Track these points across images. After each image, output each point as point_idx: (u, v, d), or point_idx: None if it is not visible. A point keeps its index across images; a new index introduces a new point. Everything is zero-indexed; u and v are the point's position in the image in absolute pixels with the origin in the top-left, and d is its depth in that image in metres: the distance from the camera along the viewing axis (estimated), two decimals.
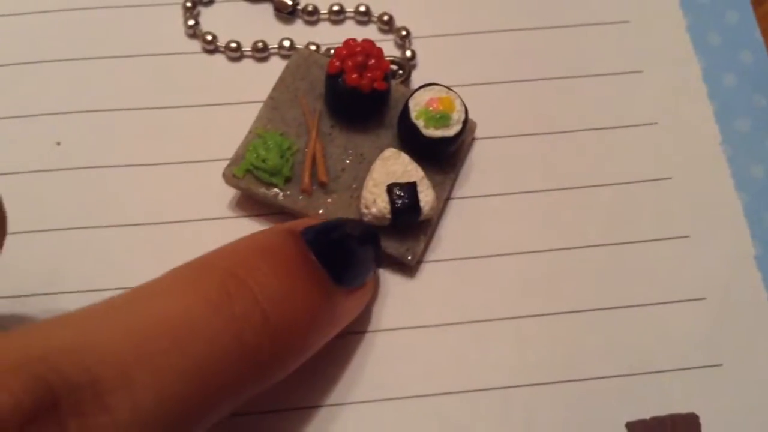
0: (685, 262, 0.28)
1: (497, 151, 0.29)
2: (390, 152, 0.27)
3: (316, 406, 0.25)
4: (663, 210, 0.28)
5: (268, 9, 0.31)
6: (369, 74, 0.26)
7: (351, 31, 0.31)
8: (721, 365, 0.26)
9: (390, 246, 0.27)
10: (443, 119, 0.26)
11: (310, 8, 0.31)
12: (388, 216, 0.26)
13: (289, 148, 0.27)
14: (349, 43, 0.26)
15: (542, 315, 0.27)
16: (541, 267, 0.27)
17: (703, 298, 0.27)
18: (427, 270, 0.27)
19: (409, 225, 0.27)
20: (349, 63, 0.26)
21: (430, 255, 0.27)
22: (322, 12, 0.31)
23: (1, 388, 0.16)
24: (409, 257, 0.27)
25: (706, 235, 0.28)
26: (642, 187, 0.29)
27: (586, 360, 0.26)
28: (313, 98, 0.28)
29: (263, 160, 0.26)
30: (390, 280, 0.27)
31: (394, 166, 0.26)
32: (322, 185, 0.27)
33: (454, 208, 0.28)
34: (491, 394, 0.26)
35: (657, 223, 0.28)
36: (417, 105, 0.27)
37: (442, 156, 0.28)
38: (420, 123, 0.26)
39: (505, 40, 0.31)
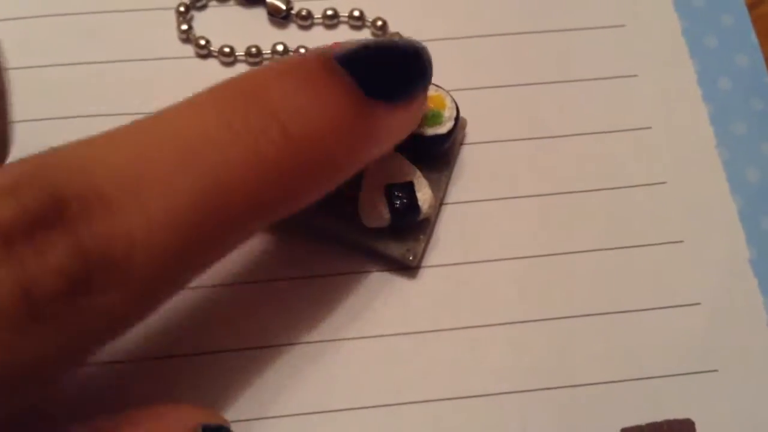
0: (680, 267, 0.27)
1: (491, 155, 0.29)
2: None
3: (309, 413, 0.25)
4: (657, 214, 0.28)
5: (261, 13, 0.31)
6: None
7: (345, 35, 0.31)
8: (716, 371, 0.26)
9: (390, 248, 0.26)
10: (435, 117, 0.26)
11: (303, 12, 0.31)
12: (387, 217, 0.26)
13: None
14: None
15: (537, 320, 0.27)
16: (535, 272, 0.27)
17: (698, 303, 0.27)
18: (423, 275, 0.27)
19: (408, 225, 0.27)
20: None
21: (427, 260, 0.27)
22: (315, 16, 0.31)
23: (7, 194, 0.17)
24: (411, 257, 0.26)
25: (700, 239, 0.28)
26: (636, 191, 0.29)
27: (581, 366, 0.26)
28: None
29: None
30: (385, 285, 0.27)
31: (390, 166, 0.26)
32: None
33: (448, 213, 0.28)
34: (486, 401, 0.25)
35: (651, 228, 0.28)
36: None
37: (436, 154, 0.28)
38: None
39: (498, 44, 0.31)
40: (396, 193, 0.26)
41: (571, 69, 0.30)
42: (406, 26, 0.31)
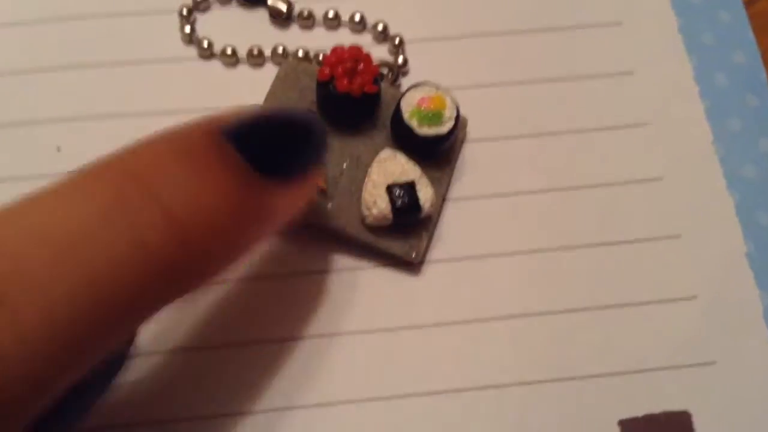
0: (677, 261, 0.28)
1: (490, 153, 0.29)
2: (386, 153, 0.27)
3: (310, 406, 0.26)
4: (655, 210, 0.29)
5: (263, 15, 0.32)
6: (359, 79, 0.27)
7: (346, 36, 0.31)
8: (714, 363, 0.26)
9: (393, 245, 0.27)
10: (436, 117, 0.27)
11: (305, 14, 0.31)
12: (390, 216, 0.26)
13: None
14: (337, 51, 0.27)
15: (537, 314, 0.27)
16: (534, 267, 0.28)
17: (695, 297, 0.27)
18: (426, 271, 0.28)
19: (410, 224, 0.27)
20: (339, 69, 0.27)
21: (430, 256, 0.28)
22: (317, 18, 0.31)
23: None
24: (414, 255, 0.27)
25: (697, 234, 0.28)
26: (634, 187, 0.29)
27: (579, 358, 0.26)
28: (304, 107, 0.28)
29: None
30: (388, 281, 0.27)
31: (392, 166, 0.27)
32: (322, 192, 0.27)
33: (450, 209, 0.29)
34: (485, 393, 0.26)
35: (649, 223, 0.28)
36: (409, 105, 0.27)
37: (437, 153, 0.28)
38: (413, 123, 0.27)
39: (497, 43, 0.31)
40: (398, 192, 0.26)
41: (569, 66, 0.31)
42: (406, 28, 0.31)
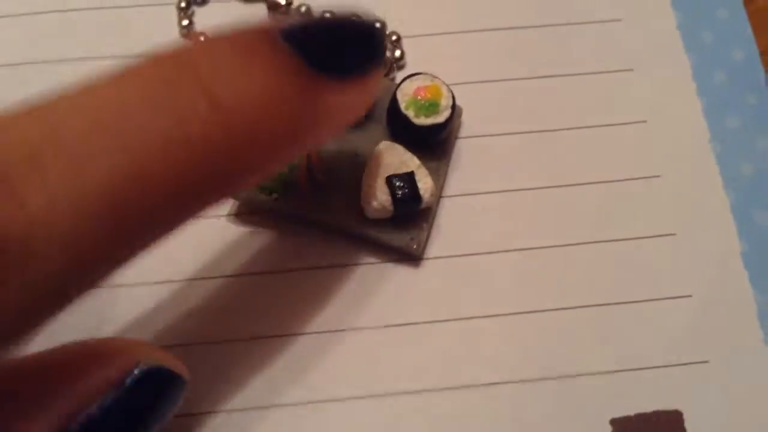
0: (672, 260, 0.28)
1: (488, 148, 0.29)
2: (384, 145, 0.27)
3: (303, 403, 0.26)
4: (651, 207, 0.29)
5: (261, 9, 0.32)
6: None
7: None
8: (707, 362, 0.26)
9: (394, 238, 0.27)
10: (432, 107, 0.27)
11: (303, 8, 0.31)
12: (390, 207, 0.26)
13: None
14: None
15: (531, 312, 0.27)
16: (530, 265, 0.28)
17: (690, 296, 0.27)
18: (425, 266, 0.28)
19: (411, 214, 0.27)
20: None
21: (428, 252, 0.28)
22: (315, 12, 0.31)
23: None
24: (415, 246, 0.27)
25: (693, 232, 0.28)
26: (632, 185, 0.29)
27: (573, 357, 0.26)
28: None
29: None
30: (388, 276, 0.28)
31: (390, 158, 0.27)
32: (321, 186, 0.27)
33: (447, 204, 0.29)
34: (478, 391, 0.26)
35: (646, 221, 0.28)
36: (405, 96, 0.27)
37: (434, 143, 0.28)
38: (410, 113, 0.27)
39: (495, 38, 0.31)
40: (397, 183, 0.26)
41: (567, 63, 0.31)
42: (404, 23, 0.31)
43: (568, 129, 0.30)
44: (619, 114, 0.30)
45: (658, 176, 0.29)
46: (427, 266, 0.28)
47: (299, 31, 0.19)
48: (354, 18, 0.21)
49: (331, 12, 0.21)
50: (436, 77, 0.28)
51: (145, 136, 0.17)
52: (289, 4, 0.31)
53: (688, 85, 0.31)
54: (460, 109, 0.29)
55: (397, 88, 0.27)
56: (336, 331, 0.27)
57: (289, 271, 0.27)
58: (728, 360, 0.26)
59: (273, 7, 0.31)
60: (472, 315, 0.27)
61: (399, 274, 0.28)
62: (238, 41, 0.19)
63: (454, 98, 0.27)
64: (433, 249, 0.28)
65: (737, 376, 0.26)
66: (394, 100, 0.27)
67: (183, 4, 0.31)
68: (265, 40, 0.19)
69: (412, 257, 0.28)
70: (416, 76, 0.27)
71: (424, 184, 0.26)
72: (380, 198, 0.26)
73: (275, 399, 0.26)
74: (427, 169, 0.27)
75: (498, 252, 0.28)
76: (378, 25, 0.22)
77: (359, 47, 0.21)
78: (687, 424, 0.25)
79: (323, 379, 0.26)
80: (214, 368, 0.26)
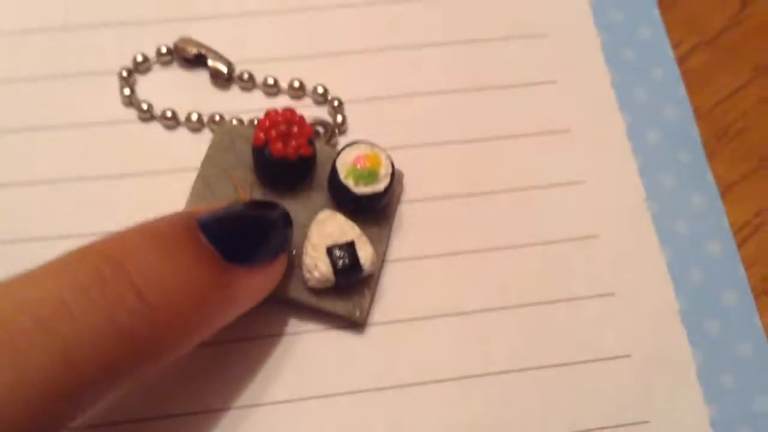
0: (611, 320, 0.28)
1: (429, 212, 0.30)
2: (324, 214, 0.27)
3: None
4: (590, 268, 0.29)
5: (204, 76, 0.32)
6: (294, 142, 0.27)
7: (286, 101, 0.31)
8: (647, 422, 0.27)
9: (336, 306, 0.27)
10: (372, 176, 0.27)
11: (245, 76, 0.31)
12: (332, 278, 0.26)
13: None
14: (270, 114, 0.27)
15: (475, 376, 0.27)
16: (473, 327, 0.28)
17: (629, 355, 0.28)
18: (368, 333, 0.28)
19: (353, 283, 0.27)
20: (273, 133, 0.27)
21: (372, 317, 0.28)
22: (257, 81, 0.31)
23: None
24: (357, 313, 0.27)
25: (631, 291, 0.29)
26: (570, 245, 0.29)
27: (517, 421, 0.27)
28: (242, 170, 0.28)
29: None
30: (330, 344, 0.27)
31: (330, 227, 0.27)
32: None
33: (389, 269, 0.29)
34: None
35: (584, 281, 0.29)
36: (344, 165, 0.27)
37: (375, 211, 0.28)
38: (350, 182, 0.27)
39: (434, 102, 0.31)
40: (338, 253, 0.26)
41: (505, 125, 0.31)
42: (345, 89, 0.31)
43: (507, 191, 0.30)
44: (557, 174, 0.30)
45: (596, 236, 0.29)
46: (371, 332, 0.28)
47: (213, 224, 0.23)
48: (259, 213, 0.25)
49: (242, 206, 0.25)
50: (375, 145, 0.28)
51: (79, 331, 0.19)
52: (231, 71, 0.31)
53: (623, 144, 0.31)
54: (401, 174, 0.29)
55: (336, 158, 0.28)
56: (280, 402, 0.27)
57: (232, 341, 0.27)
58: (668, 419, 0.27)
59: (215, 75, 0.31)
60: (417, 381, 0.27)
61: (345, 339, 0.28)
62: (163, 234, 0.22)
63: (393, 165, 0.28)
64: (377, 314, 0.28)
65: None
66: (333, 169, 0.27)
67: (125, 73, 0.31)
68: (187, 233, 0.22)
69: (353, 325, 0.28)
70: (355, 145, 0.28)
71: (365, 252, 0.27)
72: (321, 269, 0.26)
73: None
74: (369, 235, 0.27)
75: (441, 316, 0.28)
76: (280, 218, 0.25)
77: (265, 239, 0.24)
78: None
79: None
80: None
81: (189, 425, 0.26)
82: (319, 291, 0.27)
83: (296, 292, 0.27)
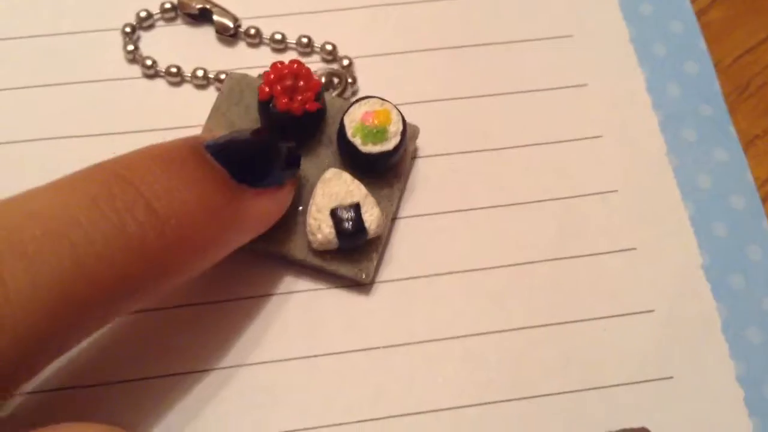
0: (633, 275, 0.27)
1: (443, 168, 0.29)
2: (331, 173, 0.26)
3: None
4: (610, 223, 0.28)
5: (209, 31, 0.31)
6: (299, 97, 0.26)
7: (294, 56, 0.31)
8: (671, 378, 0.26)
9: (342, 268, 0.26)
10: (380, 134, 0.26)
11: (251, 31, 0.30)
12: (335, 241, 0.25)
13: None
14: (276, 67, 0.26)
15: (491, 333, 0.26)
16: (489, 284, 0.27)
17: (652, 311, 0.27)
18: (377, 291, 0.27)
19: (358, 246, 0.26)
20: (278, 88, 0.26)
21: (381, 276, 0.27)
22: (264, 36, 0.31)
23: None
24: (363, 276, 0.26)
25: (653, 246, 0.28)
26: (589, 200, 0.28)
27: (536, 376, 0.26)
28: (249, 123, 0.27)
29: None
30: (338, 302, 0.27)
31: (336, 187, 0.26)
32: None
33: (402, 227, 0.28)
34: (439, 416, 0.25)
35: (604, 237, 0.28)
36: (352, 122, 0.26)
37: (385, 170, 0.27)
38: (357, 140, 0.26)
39: (447, 57, 0.31)
40: (342, 216, 0.25)
41: (520, 80, 0.30)
42: (354, 47, 0.30)
43: (524, 146, 0.29)
44: (574, 130, 0.30)
45: (616, 191, 0.29)
46: (383, 290, 0.27)
47: (222, 147, 0.23)
48: (267, 138, 0.25)
49: (251, 131, 0.24)
50: (387, 101, 0.26)
51: (90, 238, 0.19)
52: (237, 26, 0.30)
53: (643, 99, 0.30)
54: (416, 130, 0.28)
55: (344, 114, 0.26)
56: (289, 359, 0.26)
57: (240, 299, 0.26)
58: (693, 375, 0.26)
59: (220, 31, 0.30)
60: (431, 338, 0.26)
61: (353, 298, 0.27)
62: (170, 154, 0.22)
63: (404, 123, 0.26)
64: (386, 272, 0.27)
65: (702, 390, 0.26)
66: (341, 126, 0.26)
67: (128, 29, 0.30)
68: (193, 152, 0.22)
69: (361, 285, 0.27)
70: (365, 100, 0.26)
71: (371, 215, 0.25)
72: (325, 231, 0.25)
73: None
74: (379, 196, 0.26)
75: (455, 272, 0.27)
76: (284, 147, 0.25)
77: (272, 163, 0.24)
78: None
79: (279, 410, 0.25)
80: (145, 403, 0.25)
81: (197, 382, 0.25)
82: (325, 252, 0.26)
83: (302, 253, 0.26)
